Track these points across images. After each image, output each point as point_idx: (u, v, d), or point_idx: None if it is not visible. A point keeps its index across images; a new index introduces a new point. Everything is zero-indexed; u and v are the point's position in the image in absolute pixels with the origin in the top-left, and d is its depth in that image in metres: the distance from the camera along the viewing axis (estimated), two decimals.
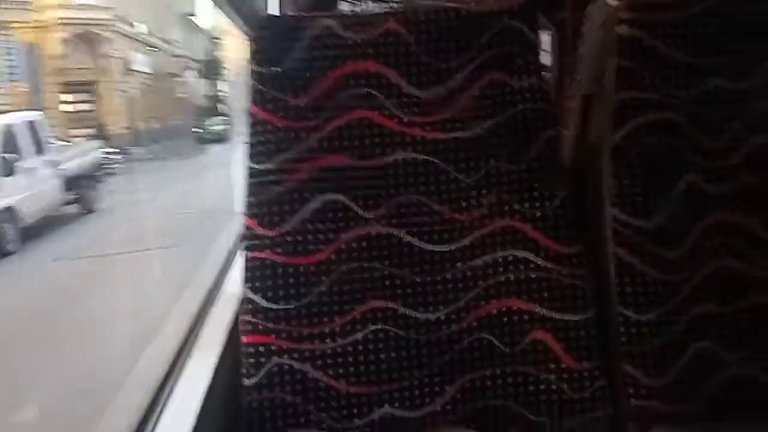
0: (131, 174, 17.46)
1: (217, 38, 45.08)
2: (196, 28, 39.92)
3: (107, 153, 18.83)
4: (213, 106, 40.12)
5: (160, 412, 1.07)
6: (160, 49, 30.84)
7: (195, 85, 27.97)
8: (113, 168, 18.65)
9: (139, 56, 27.65)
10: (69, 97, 23.24)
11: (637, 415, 1.17)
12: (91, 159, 14.42)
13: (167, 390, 1.13)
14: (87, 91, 24.10)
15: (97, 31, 23.49)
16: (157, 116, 28.75)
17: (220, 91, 43.87)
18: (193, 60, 38.10)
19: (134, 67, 26.84)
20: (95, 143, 16.06)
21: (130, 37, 26.42)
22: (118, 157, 19.71)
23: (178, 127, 30.85)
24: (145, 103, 28.29)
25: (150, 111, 28.54)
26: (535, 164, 1.19)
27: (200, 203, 11.56)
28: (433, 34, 1.19)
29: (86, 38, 23.31)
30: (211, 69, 41.48)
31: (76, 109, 23.78)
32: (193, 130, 28.85)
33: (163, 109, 30.40)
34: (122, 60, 25.58)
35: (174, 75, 31.32)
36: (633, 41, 1.21)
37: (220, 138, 28.54)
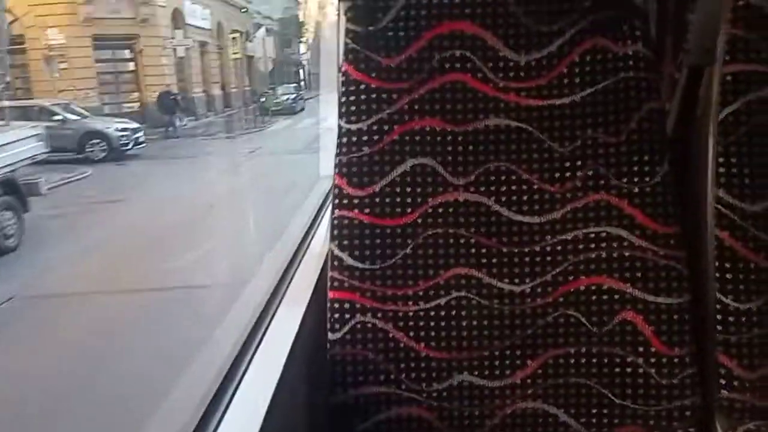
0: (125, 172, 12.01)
1: None
2: None
3: (124, 130, 13.69)
4: (288, 72, 35.43)
5: (252, 356, 1.03)
6: (224, 1, 25.47)
7: (266, 47, 22.25)
8: (128, 149, 13.52)
9: (197, 8, 22.27)
10: (101, 54, 18.18)
11: (727, 407, 1.11)
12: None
13: (260, 330, 1.11)
14: (125, 47, 18.93)
15: None
16: (216, 81, 23.55)
17: (297, 54, 38.84)
18: (267, 18, 32.80)
19: (189, 21, 21.43)
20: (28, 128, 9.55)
21: None
22: (138, 135, 14.39)
23: (241, 95, 25.88)
24: (203, 65, 23.09)
25: (208, 75, 23.36)
26: (634, 137, 1.10)
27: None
28: None
29: None
30: (289, 29, 36.35)
31: (111, 70, 18.75)
32: (261, 99, 23.43)
33: (225, 74, 25.33)
34: (172, 10, 20.20)
35: (241, 33, 25.89)
36: (749, 9, 1.12)
37: (290, 109, 23.47)
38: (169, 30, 20.10)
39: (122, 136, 13.80)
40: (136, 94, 18.94)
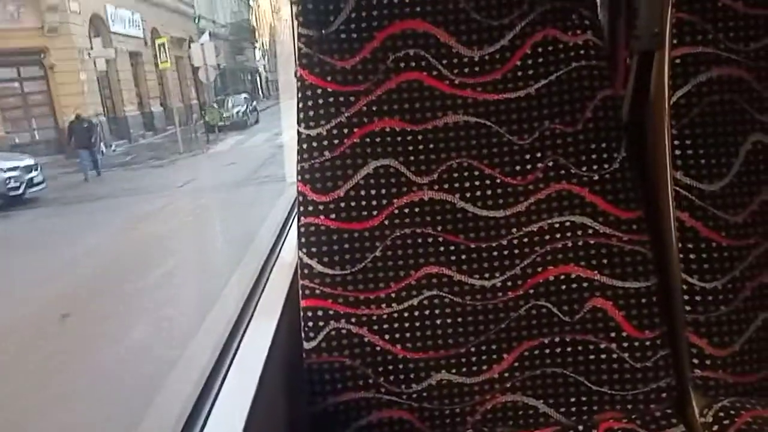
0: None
1: None
2: None
3: (13, 169, 10.37)
4: (242, 80, 32.12)
5: (226, 371, 0.99)
6: (159, 5, 22.07)
7: (207, 54, 18.91)
8: (20, 194, 10.25)
9: (124, 13, 18.84)
10: (1, 74, 14.76)
11: (702, 385, 1.12)
12: None
13: (233, 344, 1.07)
14: (33, 64, 15.47)
15: None
16: (155, 96, 20.20)
17: (252, 60, 35.54)
18: (214, 23, 29.42)
19: (114, 29, 18.00)
20: None
21: None
22: (34, 175, 11.04)
23: (187, 110, 22.51)
24: (136, 79, 19.70)
25: (144, 89, 19.99)
26: (591, 125, 1.11)
27: None
28: None
29: None
30: (240, 34, 33.02)
31: (16, 91, 15.30)
32: (206, 113, 20.15)
33: (166, 87, 21.97)
34: (89, 16, 16.76)
35: (182, 40, 22.52)
36: None
37: (240, 123, 20.22)
38: (88, 40, 16.65)
39: (9, 177, 10.41)
40: (50, 119, 15.45)
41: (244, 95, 23.22)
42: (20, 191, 10.61)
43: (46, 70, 15.81)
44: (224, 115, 20.45)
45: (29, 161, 11.10)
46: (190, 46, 21.47)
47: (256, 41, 36.75)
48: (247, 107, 21.77)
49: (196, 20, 26.06)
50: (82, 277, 5.56)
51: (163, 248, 6.70)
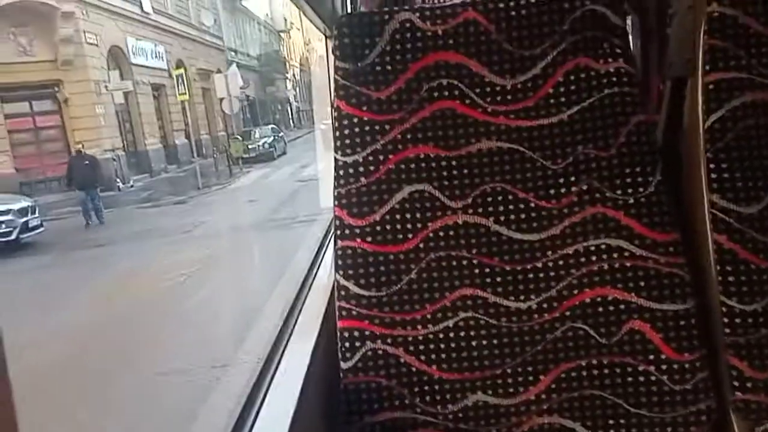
0: None
1: (281, 31, 36.40)
2: (248, 15, 30.56)
3: (6, 213, 9.29)
4: (273, 111, 31.22)
5: (267, 386, 1.02)
6: (185, 37, 21.24)
7: (230, 84, 17.82)
8: (12, 239, 9.17)
9: (146, 45, 17.94)
10: (12, 108, 13.82)
11: (743, 408, 1.09)
12: None
13: (272, 364, 1.09)
14: (45, 97, 14.52)
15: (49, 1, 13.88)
16: (179, 129, 19.19)
17: (283, 91, 34.72)
18: (244, 54, 28.65)
19: (135, 60, 17.07)
20: None
21: (119, 14, 16.60)
22: (29, 218, 9.91)
23: (213, 143, 21.49)
24: (159, 111, 18.72)
25: (167, 122, 19.00)
26: (624, 150, 1.10)
27: None
28: (513, 21, 1.11)
29: (31, 12, 13.74)
30: (271, 66, 32.23)
31: (28, 127, 14.35)
32: (230, 145, 19.04)
33: (192, 119, 21.05)
34: (108, 48, 15.84)
35: (209, 72, 21.59)
36: (725, 19, 1.12)
37: (266, 155, 19.12)
38: (105, 72, 15.69)
39: (0, 222, 9.24)
40: (64, 155, 14.40)
41: (271, 126, 22.17)
42: (12, 236, 9.41)
43: (60, 104, 14.85)
44: (250, 147, 19.31)
45: (25, 203, 9.92)
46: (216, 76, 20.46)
47: (287, 72, 36.00)
48: (274, 138, 20.66)
49: (224, 50, 25.26)
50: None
51: (134, 329, 5.27)
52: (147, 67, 17.98)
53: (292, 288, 1.46)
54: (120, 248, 8.93)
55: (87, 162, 11.89)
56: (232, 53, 27.12)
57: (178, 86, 16.46)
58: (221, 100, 18.66)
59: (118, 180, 15.04)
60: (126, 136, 17.01)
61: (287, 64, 36.67)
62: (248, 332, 4.19)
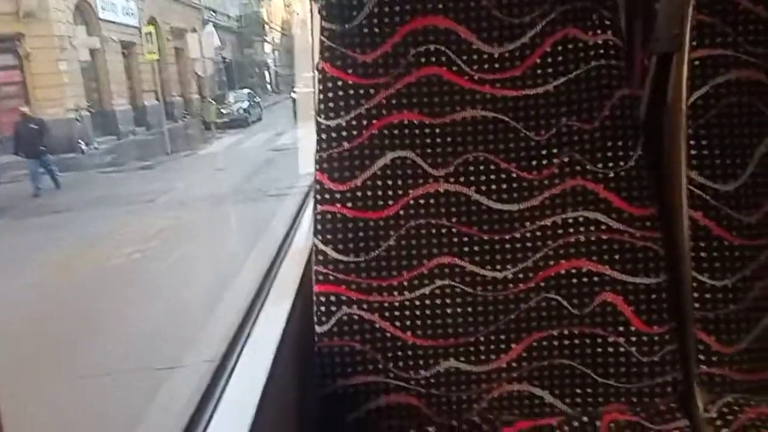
0: None
1: None
2: None
3: None
4: (250, 74, 30.28)
5: (241, 348, 1.00)
6: None
7: (204, 44, 17.01)
8: None
9: None
10: None
11: (707, 381, 1.11)
12: None
13: (248, 326, 1.08)
14: (6, 51, 13.68)
15: None
16: (150, 90, 18.39)
17: (261, 54, 33.70)
18: (222, 14, 27.60)
19: (104, 15, 16.18)
20: None
21: None
22: None
23: (185, 105, 20.71)
24: (129, 71, 17.89)
25: (137, 82, 18.18)
26: (608, 123, 1.10)
27: None
28: None
29: None
30: (249, 28, 31.17)
31: None
32: (202, 109, 18.30)
33: (163, 80, 20.19)
34: (75, 1, 14.95)
35: (184, 31, 20.66)
36: None
37: (241, 120, 18.44)
38: (71, 27, 14.82)
39: None
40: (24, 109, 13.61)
41: (247, 90, 21.37)
42: None
43: (21, 58, 14.01)
44: (224, 111, 18.57)
45: None
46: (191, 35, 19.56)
47: (266, 35, 34.90)
48: (249, 103, 19.94)
49: (201, 9, 24.24)
50: None
51: (89, 299, 4.81)
52: (116, 23, 17.08)
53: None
54: (78, 216, 8.34)
55: (35, 126, 10.98)
56: (210, 12, 26.08)
57: (146, 44, 15.57)
58: (194, 60, 17.83)
59: (81, 142, 14.33)
60: (92, 95, 16.20)
61: (267, 26, 35.57)
62: (198, 332, 3.76)
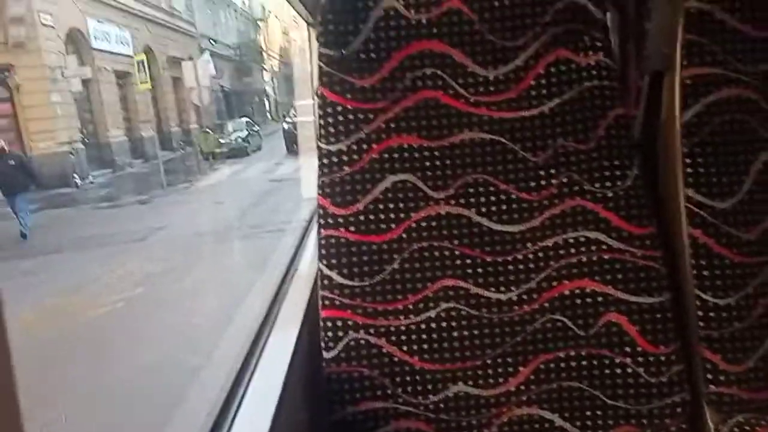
0: None
1: (258, 19, 34.94)
2: (223, 0, 29.06)
3: None
4: (249, 102, 29.83)
5: (250, 376, 1.00)
6: (154, 22, 19.82)
7: (199, 73, 16.46)
8: None
9: (111, 28, 16.53)
10: None
11: (716, 401, 1.11)
12: None
13: (255, 353, 1.08)
14: None
15: None
16: (147, 120, 17.81)
17: (261, 82, 33.31)
18: (218, 42, 27.21)
19: (97, 45, 15.67)
20: None
21: None
22: None
23: (182, 135, 20.13)
24: (125, 101, 17.32)
25: (133, 112, 17.60)
26: (603, 143, 1.10)
27: None
28: (497, 11, 1.10)
29: None
30: (248, 55, 30.78)
31: None
32: (200, 139, 17.70)
33: (161, 110, 19.68)
34: (66, 30, 14.42)
35: (180, 60, 20.16)
36: (702, 15, 1.13)
37: (240, 150, 17.87)
38: (63, 57, 14.27)
39: None
40: (16, 146, 12.97)
41: (245, 119, 20.84)
42: None
43: (11, 90, 13.42)
44: (222, 141, 17.97)
45: None
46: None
47: (264, 62, 34.55)
48: (248, 132, 19.37)
49: (197, 38, 23.82)
50: None
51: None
52: (110, 52, 16.55)
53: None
54: (62, 259, 7.63)
55: (12, 162, 9.95)
56: (206, 41, 25.68)
57: (139, 73, 14.97)
58: (191, 89, 17.26)
59: (75, 176, 13.67)
60: (87, 126, 15.61)
61: (265, 53, 35.23)
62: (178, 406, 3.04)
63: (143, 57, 15.13)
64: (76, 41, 15.35)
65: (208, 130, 18.18)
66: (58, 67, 13.91)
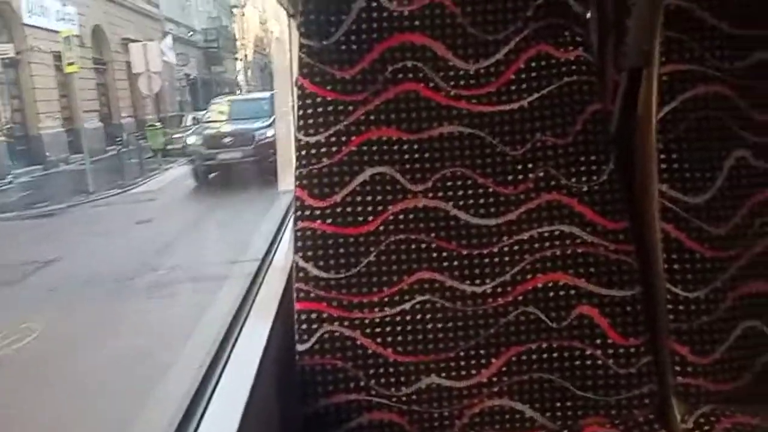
0: None
1: (233, 6, 32.67)
2: None
3: None
4: (213, 94, 27.60)
5: (222, 369, 0.99)
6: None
7: (149, 57, 14.22)
8: None
9: (52, 3, 14.24)
10: None
11: (683, 392, 1.12)
12: None
13: (228, 345, 1.07)
14: None
15: None
16: (92, 110, 15.58)
17: (232, 72, 31.06)
18: (185, 26, 24.92)
19: (30, 21, 13.38)
20: None
21: None
22: None
23: (136, 126, 17.84)
24: (66, 87, 14.98)
25: (74, 101, 15.26)
26: (581, 138, 1.10)
27: None
28: (479, 5, 1.09)
29: None
30: (219, 43, 28.48)
31: None
32: (148, 134, 15.45)
33: (111, 99, 17.45)
34: None
35: (134, 43, 17.84)
36: (681, 13, 1.12)
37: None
38: None
39: None
40: None
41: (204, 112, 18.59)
42: None
43: None
44: (174, 137, 15.72)
45: None
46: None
47: (237, 52, 32.29)
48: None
49: (161, 20, 21.53)
50: None
51: None
52: (48, 29, 14.19)
53: None
54: None
55: None
56: (171, 24, 23.38)
57: (65, 52, 12.60)
58: (138, 75, 14.93)
59: None
60: (13, 116, 13.34)
61: (239, 42, 32.98)
62: None
63: (70, 33, 12.73)
64: (5, 16, 13.06)
65: (155, 124, 15.85)
66: None
